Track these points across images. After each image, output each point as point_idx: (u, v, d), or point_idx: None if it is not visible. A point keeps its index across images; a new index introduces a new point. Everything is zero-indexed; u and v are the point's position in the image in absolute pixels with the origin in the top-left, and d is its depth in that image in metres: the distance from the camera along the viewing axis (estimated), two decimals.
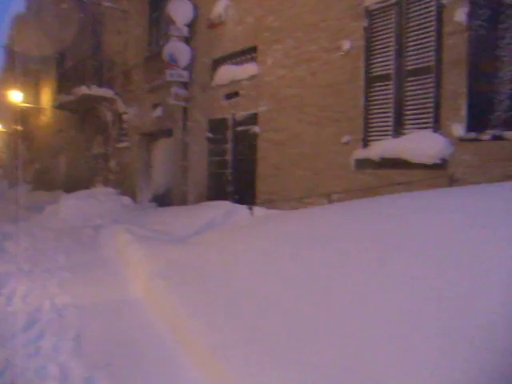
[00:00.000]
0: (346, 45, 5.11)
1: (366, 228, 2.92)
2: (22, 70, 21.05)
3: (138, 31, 10.03)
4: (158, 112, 9.03)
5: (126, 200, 9.35)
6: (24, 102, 18.45)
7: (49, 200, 11.42)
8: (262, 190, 6.38)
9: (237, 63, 7.12)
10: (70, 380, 2.38)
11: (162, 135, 9.47)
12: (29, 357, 2.63)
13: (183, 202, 8.13)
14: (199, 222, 5.64)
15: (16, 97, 18.40)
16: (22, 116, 20.22)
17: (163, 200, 9.11)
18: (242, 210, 5.54)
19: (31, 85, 19.05)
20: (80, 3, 12.70)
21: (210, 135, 7.58)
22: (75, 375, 2.42)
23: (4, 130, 26.52)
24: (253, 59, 6.74)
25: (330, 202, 4.77)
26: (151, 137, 9.89)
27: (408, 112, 4.55)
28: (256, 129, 6.52)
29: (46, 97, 17.15)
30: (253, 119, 6.63)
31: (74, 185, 13.07)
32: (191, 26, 7.95)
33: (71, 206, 8.83)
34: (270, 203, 5.83)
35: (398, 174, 4.44)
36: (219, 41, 7.36)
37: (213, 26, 7.45)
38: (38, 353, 2.69)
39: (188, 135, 8.13)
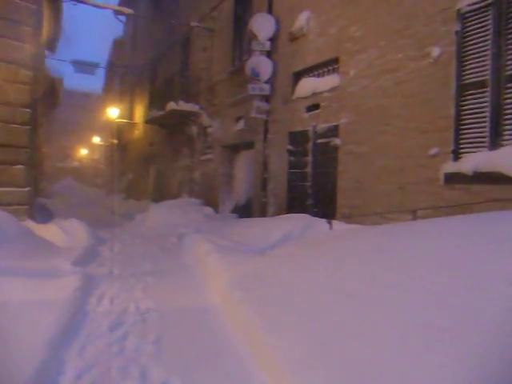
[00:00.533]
0: (435, 51, 4.84)
1: (460, 252, 2.63)
2: (119, 89, 23.12)
3: (223, 48, 10.48)
4: (241, 125, 9.30)
5: (209, 210, 9.71)
6: (120, 117, 20.19)
7: (139, 209, 12.26)
8: (343, 204, 6.23)
9: (318, 75, 7.10)
10: (149, 382, 2.50)
11: (243, 147, 9.72)
12: (113, 356, 2.81)
13: (263, 213, 8.23)
14: (277, 235, 5.64)
15: (113, 113, 20.21)
16: (118, 130, 22.14)
17: (244, 211, 9.30)
18: (320, 223, 5.46)
19: (126, 102, 20.80)
20: (170, 25, 13.63)
21: (291, 148, 7.61)
22: (154, 378, 2.53)
23: (102, 143, 29.20)
24: (334, 70, 6.68)
25: (415, 218, 4.51)
26: (233, 149, 10.19)
27: (507, 121, 4.16)
28: (337, 141, 6.42)
29: (139, 112, 18.55)
30: (334, 131, 6.54)
31: (161, 195, 13.92)
32: (273, 39, 8.12)
33: (158, 214, 9.40)
34: (350, 218, 5.68)
35: (493, 189, 4.06)
36: (300, 53, 7.41)
37: (294, 38, 7.53)
38: (121, 353, 2.86)
39: (269, 147, 8.25)
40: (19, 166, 7.21)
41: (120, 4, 19.19)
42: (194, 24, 11.38)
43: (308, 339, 2.50)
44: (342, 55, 6.42)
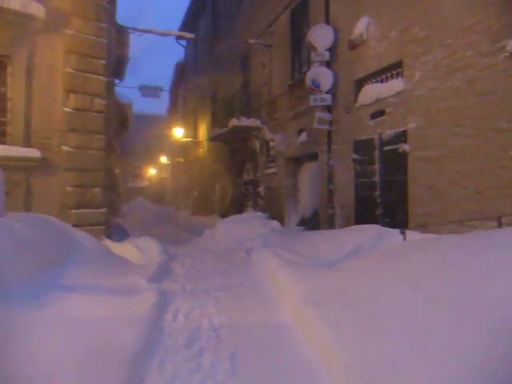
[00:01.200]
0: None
1: None
2: (183, 110, 24.13)
3: (281, 62, 10.57)
4: (303, 137, 9.26)
5: (275, 224, 9.71)
6: (184, 136, 21.03)
7: (206, 224, 12.58)
8: (415, 213, 5.93)
9: (381, 81, 6.90)
10: None
11: (307, 159, 9.65)
12: (191, 372, 2.86)
13: (330, 225, 8.08)
14: (347, 247, 5.49)
15: (178, 133, 21.10)
16: (183, 149, 23.05)
17: (310, 223, 9.19)
18: (393, 234, 5.22)
19: (190, 122, 21.64)
20: (229, 45, 14.03)
21: (356, 157, 7.42)
22: None
23: (169, 162, 30.51)
24: (398, 74, 6.45)
25: (500, 225, 4.16)
26: (297, 161, 10.16)
27: None
28: (405, 147, 6.16)
29: (203, 131, 19.20)
30: (401, 137, 6.29)
31: (227, 210, 14.19)
32: (332, 49, 8.04)
33: (226, 229, 9.57)
34: (424, 227, 5.38)
35: None
36: (361, 60, 7.26)
37: (354, 46, 7.40)
38: (198, 369, 2.91)
39: (333, 158, 8.12)
40: (96, 189, 7.72)
41: (181, 29, 20.21)
42: (252, 41, 11.62)
43: (384, 359, 2.38)
44: (405, 58, 6.19)
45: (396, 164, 6.43)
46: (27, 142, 7.02)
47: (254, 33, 11.99)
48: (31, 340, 2.87)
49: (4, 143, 6.83)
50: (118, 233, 9.35)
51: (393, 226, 5.90)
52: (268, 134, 11.19)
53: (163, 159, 31.98)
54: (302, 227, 9.36)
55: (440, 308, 2.59)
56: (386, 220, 6.61)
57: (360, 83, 7.39)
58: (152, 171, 37.18)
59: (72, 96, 7.49)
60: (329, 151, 8.21)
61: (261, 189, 11.79)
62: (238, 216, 10.87)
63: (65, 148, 7.40)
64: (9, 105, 6.99)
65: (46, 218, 5.90)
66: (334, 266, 4.83)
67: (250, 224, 9.57)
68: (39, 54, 7.22)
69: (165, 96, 25.97)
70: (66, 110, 7.44)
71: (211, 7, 17.65)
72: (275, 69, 10.93)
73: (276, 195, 10.75)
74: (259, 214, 10.72)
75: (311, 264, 5.23)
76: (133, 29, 10.43)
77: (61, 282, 4.53)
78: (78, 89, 7.53)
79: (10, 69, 7.00)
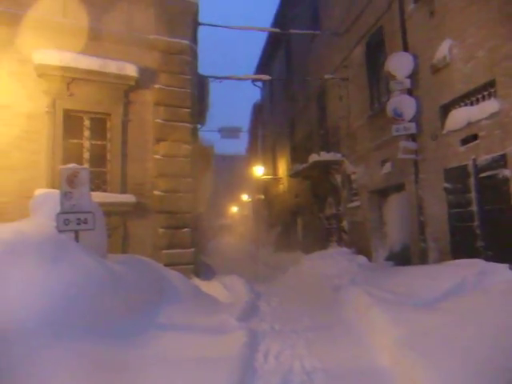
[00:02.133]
0: None
1: None
2: (262, 148, 24.81)
3: (359, 93, 10.49)
4: (387, 168, 8.96)
5: (362, 259, 9.36)
6: (264, 174, 21.49)
7: (290, 260, 12.50)
8: None
9: (471, 103, 6.51)
10: None
11: (392, 191, 9.29)
12: None
13: (423, 260, 7.57)
14: (445, 284, 5.06)
15: (258, 171, 21.65)
16: (263, 186, 23.51)
17: (400, 258, 8.69)
18: (499, 269, 4.74)
19: (269, 159, 22.13)
20: (304, 82, 14.33)
21: (448, 185, 6.96)
22: None
23: (249, 199, 31.25)
24: (491, 95, 6.04)
25: None
26: (381, 193, 9.82)
27: None
28: (506, 172, 5.65)
29: (282, 168, 19.48)
30: (500, 162, 5.79)
31: (310, 245, 14.00)
32: (412, 76, 7.81)
33: (311, 266, 9.44)
34: None
35: None
36: (446, 84, 6.95)
37: (436, 70, 7.12)
38: None
39: (422, 188, 7.70)
40: (185, 229, 8.10)
41: (256, 71, 21.16)
42: (327, 76, 11.75)
43: None
44: (498, 77, 5.79)
45: (496, 191, 5.90)
46: (124, 189, 7.64)
47: (328, 68, 12.12)
48: (132, 378, 2.99)
49: (105, 190, 7.51)
50: (205, 271, 9.63)
51: (498, 260, 5.35)
52: (349, 167, 11.02)
53: (244, 197, 32.87)
54: (391, 262, 8.88)
55: None
56: (489, 253, 6.02)
57: (446, 108, 7.04)
58: (234, 209, 38.31)
59: (161, 144, 8.08)
60: (416, 181, 7.81)
61: (344, 223, 11.52)
62: (322, 252, 10.68)
63: (156, 192, 7.93)
64: (108, 156, 7.73)
65: (141, 259, 6.29)
66: (432, 306, 4.47)
67: (336, 260, 9.33)
68: (132, 108, 7.96)
69: (243, 136, 27.04)
70: (157, 157, 8.03)
71: (285, 48, 18.29)
72: (353, 101, 10.88)
73: (361, 229, 10.40)
74: (344, 249, 10.43)
75: (405, 303, 4.89)
76: (213, 77, 11.11)
77: (156, 320, 4.75)
78: (167, 137, 8.13)
79: (108, 124, 7.79)
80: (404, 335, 3.62)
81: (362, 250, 9.96)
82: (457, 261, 6.16)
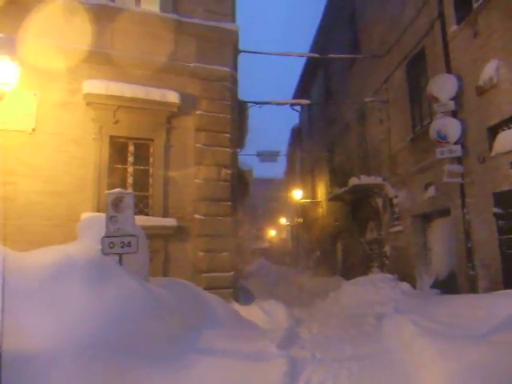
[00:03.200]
0: None
1: None
2: (300, 172, 24.80)
3: (400, 116, 10.34)
4: (431, 192, 8.71)
5: (405, 286, 9.03)
6: (303, 198, 21.39)
7: (329, 286, 12.24)
8: None
9: None
10: None
11: (437, 215, 8.98)
12: None
13: (472, 288, 7.20)
14: (501, 315, 4.76)
15: (296, 194, 21.59)
16: (302, 210, 23.37)
17: (446, 286, 8.31)
18: None
19: (308, 183, 22.05)
20: (343, 105, 14.32)
21: (498, 210, 6.64)
22: None
23: (288, 223, 31.08)
24: None
25: None
26: (425, 218, 9.51)
27: None
28: None
29: (321, 191, 19.34)
30: None
31: (350, 271, 13.70)
32: (456, 98, 7.63)
33: (351, 292, 9.19)
34: None
35: None
36: (493, 106, 6.74)
37: (483, 92, 6.93)
38: None
39: (469, 213, 7.39)
40: (225, 253, 8.14)
41: (295, 96, 21.39)
42: (367, 100, 11.69)
43: None
44: None
45: None
46: (165, 213, 7.82)
47: (368, 91, 12.07)
48: None
49: (147, 214, 7.72)
50: (244, 295, 9.59)
51: None
52: (391, 191, 10.79)
53: (283, 220, 32.76)
54: (437, 290, 8.49)
55: None
56: None
57: (494, 130, 6.80)
58: (272, 232, 38.20)
59: (202, 168, 8.26)
60: (463, 206, 7.52)
61: (386, 248, 11.22)
62: (363, 278, 10.40)
63: (197, 216, 8.06)
64: (150, 180, 7.97)
65: (182, 283, 6.37)
66: (487, 338, 4.21)
67: (378, 286, 9.05)
68: (174, 134, 8.20)
69: (281, 159, 27.19)
70: (197, 181, 8.20)
71: (323, 72, 18.43)
72: (394, 124, 10.73)
73: (404, 255, 10.08)
74: (386, 275, 10.10)
75: (454, 334, 4.64)
76: (253, 102, 11.32)
77: (197, 345, 4.76)
78: (207, 162, 8.30)
79: (151, 149, 8.07)
80: (457, 371, 3.42)
81: (406, 276, 9.62)
82: (510, 291, 5.82)
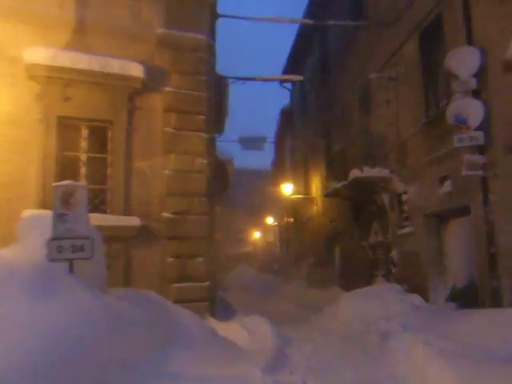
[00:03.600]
0: None
1: None
2: (290, 162, 24.84)
3: (411, 97, 10.40)
4: (447, 187, 8.78)
5: (416, 299, 9.12)
6: (294, 193, 21.42)
7: (325, 298, 12.30)
8: None
9: None
10: None
11: (454, 214, 9.09)
12: None
13: (496, 301, 7.30)
14: None
15: (287, 189, 21.59)
16: (293, 208, 23.43)
17: (465, 299, 8.43)
18: None
19: (299, 175, 22.10)
20: (343, 83, 14.35)
21: None
22: None
23: (275, 223, 31.14)
24: None
25: None
26: (441, 218, 9.62)
27: None
28: None
29: (316, 185, 19.41)
30: None
31: (350, 280, 13.78)
32: (479, 75, 7.69)
33: (352, 306, 9.24)
34: None
35: None
36: None
37: (511, 67, 6.99)
38: None
39: (493, 212, 7.47)
40: (199, 259, 8.09)
41: (285, 72, 21.34)
42: (372, 76, 11.70)
43: None
44: None
45: None
46: (127, 210, 7.72)
47: (373, 67, 12.11)
48: None
49: (104, 212, 7.60)
50: (223, 309, 9.57)
51: None
52: (399, 186, 10.87)
53: (269, 220, 32.81)
54: (454, 304, 8.61)
55: None
56: None
57: None
58: (257, 234, 38.29)
59: (172, 157, 8.17)
60: (485, 203, 7.59)
61: (394, 253, 11.32)
62: (366, 289, 10.50)
63: (165, 214, 7.98)
64: (109, 171, 7.85)
65: (146, 295, 6.30)
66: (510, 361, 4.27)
67: (383, 299, 9.12)
68: (138, 115, 8.09)
69: (269, 147, 27.21)
70: (166, 172, 8.12)
71: (319, 44, 18.43)
72: (403, 106, 10.78)
73: (414, 261, 10.17)
74: (394, 285, 10.20)
75: (477, 356, 4.70)
76: (234, 78, 11.25)
77: (164, 369, 4.71)
78: (178, 149, 8.21)
79: (109, 134, 7.94)
80: None
81: (416, 287, 9.72)
82: None
